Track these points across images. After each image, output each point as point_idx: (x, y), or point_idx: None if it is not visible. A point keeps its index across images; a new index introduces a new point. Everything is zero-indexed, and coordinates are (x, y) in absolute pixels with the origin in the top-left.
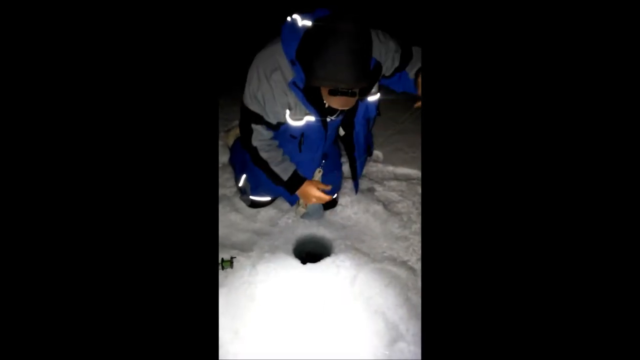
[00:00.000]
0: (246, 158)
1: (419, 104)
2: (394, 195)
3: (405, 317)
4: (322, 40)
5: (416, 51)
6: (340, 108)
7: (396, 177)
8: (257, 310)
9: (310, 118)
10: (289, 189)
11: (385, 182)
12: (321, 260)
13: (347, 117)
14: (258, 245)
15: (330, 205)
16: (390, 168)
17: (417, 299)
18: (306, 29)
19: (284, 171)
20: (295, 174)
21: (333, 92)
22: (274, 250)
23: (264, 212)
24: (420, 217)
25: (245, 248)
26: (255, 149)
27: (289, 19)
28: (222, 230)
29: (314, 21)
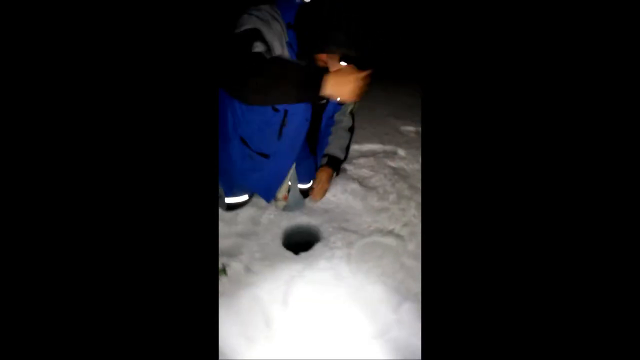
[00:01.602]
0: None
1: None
2: (365, 172)
3: (404, 280)
4: (338, 8)
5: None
6: None
7: (363, 154)
8: (263, 309)
9: None
10: (315, 80)
11: (354, 161)
12: (313, 247)
13: (317, 111)
14: (246, 247)
15: (308, 193)
16: (356, 146)
17: (410, 262)
18: (304, 2)
19: (299, 62)
20: (311, 63)
21: (346, 59)
22: (263, 248)
23: (242, 213)
24: (394, 187)
25: (234, 253)
26: (259, 55)
27: None
28: None
29: None
